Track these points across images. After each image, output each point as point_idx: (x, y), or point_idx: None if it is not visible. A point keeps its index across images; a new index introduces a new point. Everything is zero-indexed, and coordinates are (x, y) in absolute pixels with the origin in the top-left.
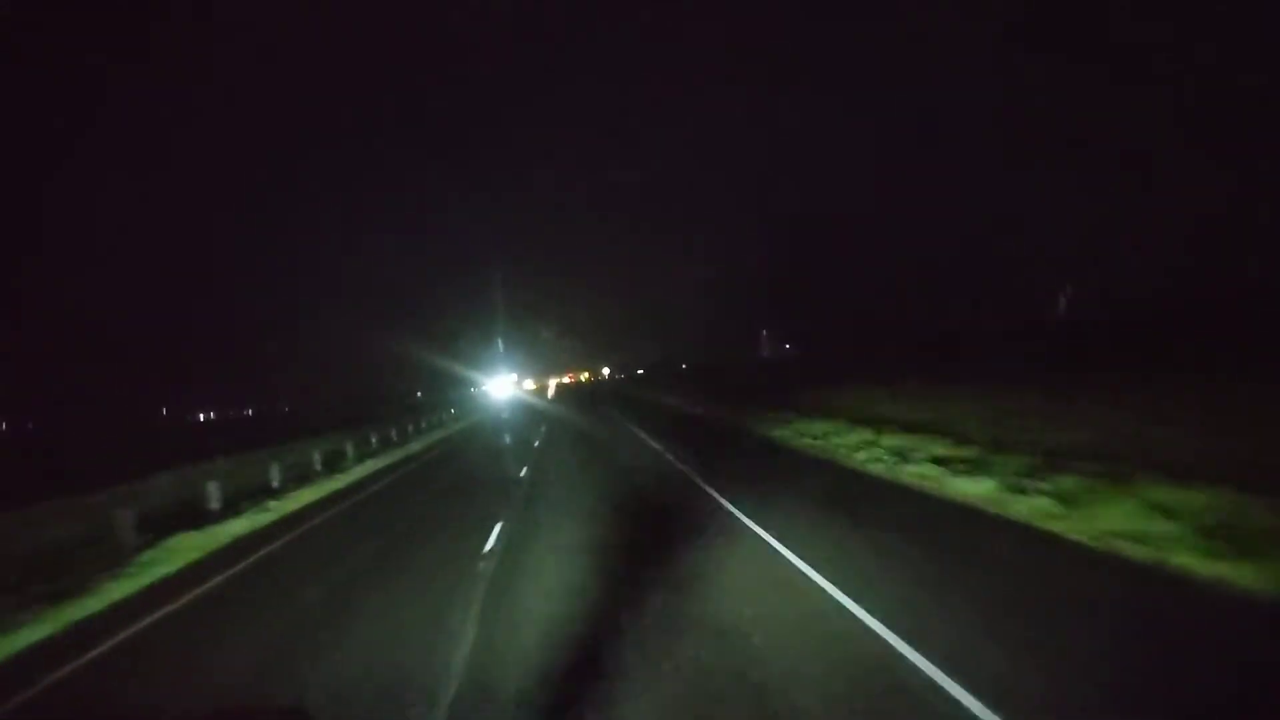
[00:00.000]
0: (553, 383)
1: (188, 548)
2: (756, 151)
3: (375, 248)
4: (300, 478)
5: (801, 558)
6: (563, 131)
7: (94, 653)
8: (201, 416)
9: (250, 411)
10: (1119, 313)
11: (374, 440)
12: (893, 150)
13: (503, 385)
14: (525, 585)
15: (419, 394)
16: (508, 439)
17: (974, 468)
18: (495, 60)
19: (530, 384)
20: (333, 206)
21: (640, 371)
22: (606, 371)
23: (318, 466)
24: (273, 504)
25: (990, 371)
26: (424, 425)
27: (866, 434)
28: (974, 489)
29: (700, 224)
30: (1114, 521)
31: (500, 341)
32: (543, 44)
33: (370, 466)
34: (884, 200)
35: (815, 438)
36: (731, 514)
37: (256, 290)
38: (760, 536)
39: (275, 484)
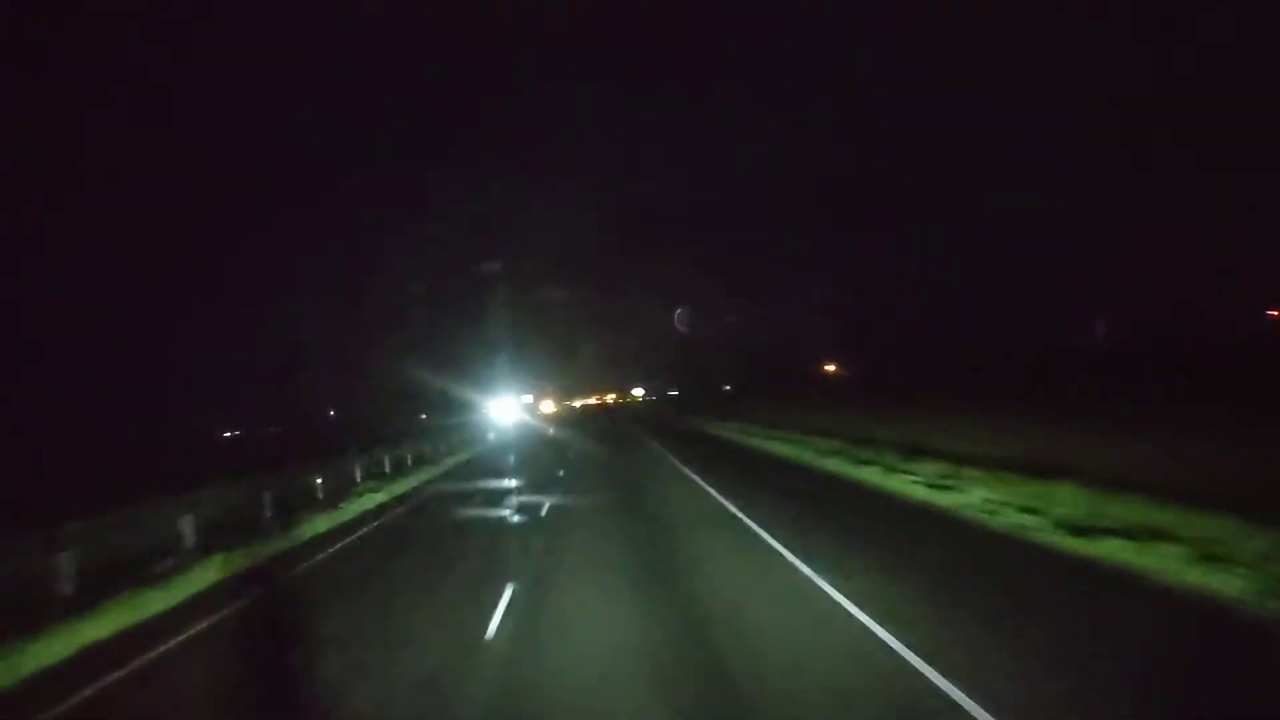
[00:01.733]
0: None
1: None
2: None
3: (383, 254)
4: None
5: None
6: (587, 138)
7: None
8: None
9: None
10: (1163, 339)
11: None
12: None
13: (509, 408)
14: None
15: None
16: None
17: None
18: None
19: (549, 405)
20: (338, 214)
21: (673, 393)
22: (639, 393)
23: None
24: None
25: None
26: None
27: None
28: None
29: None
30: None
31: (506, 355)
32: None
33: None
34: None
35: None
36: None
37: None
38: None
39: None
